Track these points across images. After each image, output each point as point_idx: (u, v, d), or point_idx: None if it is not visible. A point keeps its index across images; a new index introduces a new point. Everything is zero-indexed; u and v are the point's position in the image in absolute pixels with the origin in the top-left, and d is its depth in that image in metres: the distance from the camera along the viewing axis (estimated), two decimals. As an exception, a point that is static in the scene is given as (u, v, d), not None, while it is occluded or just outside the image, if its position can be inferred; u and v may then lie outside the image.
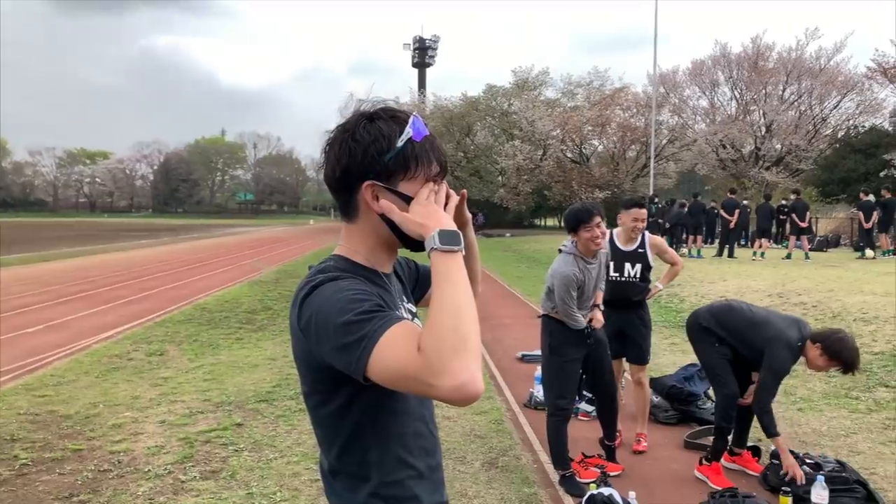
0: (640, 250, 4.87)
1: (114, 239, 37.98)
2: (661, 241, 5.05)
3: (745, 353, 4.12)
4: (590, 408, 5.44)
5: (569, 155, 45.88)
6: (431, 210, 1.23)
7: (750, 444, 4.56)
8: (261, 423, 5.41)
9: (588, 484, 3.92)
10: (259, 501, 3.97)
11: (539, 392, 5.88)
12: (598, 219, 4.07)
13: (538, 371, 6.16)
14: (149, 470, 4.46)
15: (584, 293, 4.19)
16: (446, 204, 1.29)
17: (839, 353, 3.77)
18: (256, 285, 15.26)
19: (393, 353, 1.08)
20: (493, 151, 48.57)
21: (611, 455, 4.48)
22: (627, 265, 4.85)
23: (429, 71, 71.63)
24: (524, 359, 7.62)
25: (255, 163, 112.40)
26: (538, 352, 7.50)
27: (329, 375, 1.21)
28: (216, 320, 10.44)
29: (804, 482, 3.80)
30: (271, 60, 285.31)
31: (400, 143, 1.25)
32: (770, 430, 3.90)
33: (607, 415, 4.48)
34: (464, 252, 1.18)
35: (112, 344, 8.60)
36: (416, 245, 1.27)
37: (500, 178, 47.58)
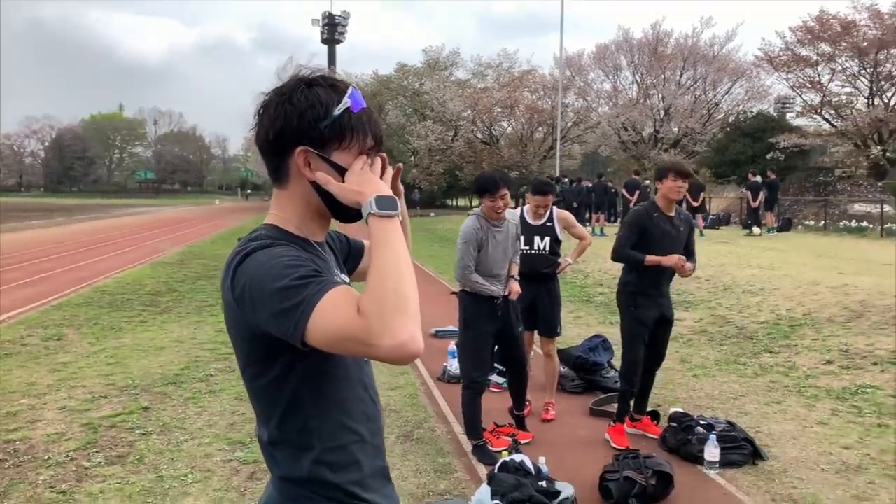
0: (547, 224, 5.05)
1: (3, 219, 35.46)
2: (568, 215, 5.23)
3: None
4: (500, 379, 5.61)
5: (479, 136, 46.32)
6: (368, 178, 1.24)
7: (649, 409, 4.83)
8: (169, 406, 5.27)
9: (500, 452, 4.07)
10: (170, 484, 3.89)
11: (453, 366, 6.01)
12: (504, 191, 4.26)
13: (452, 346, 6.29)
14: (49, 458, 4.27)
15: (487, 257, 4.31)
16: (382, 175, 1.31)
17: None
18: (160, 267, 14.67)
19: (332, 316, 1.09)
20: (405, 131, 48.42)
21: (521, 424, 4.65)
22: (537, 238, 5.01)
23: (339, 48, 70.42)
24: (437, 334, 7.74)
25: (156, 140, 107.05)
26: (451, 327, 7.66)
27: (265, 344, 1.21)
28: (118, 303, 10.00)
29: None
30: (171, 33, 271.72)
31: (337, 112, 1.25)
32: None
33: (517, 386, 4.64)
34: (400, 219, 1.21)
35: (3, 329, 8.10)
36: (348, 216, 1.29)
37: (412, 158, 47.54)
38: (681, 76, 39.13)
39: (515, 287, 4.47)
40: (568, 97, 42.67)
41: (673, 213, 4.41)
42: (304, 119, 1.24)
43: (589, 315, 9.36)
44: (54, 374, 6.17)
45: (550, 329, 5.05)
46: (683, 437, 4.29)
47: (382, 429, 1.47)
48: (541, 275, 5.01)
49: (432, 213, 40.32)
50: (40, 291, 11.05)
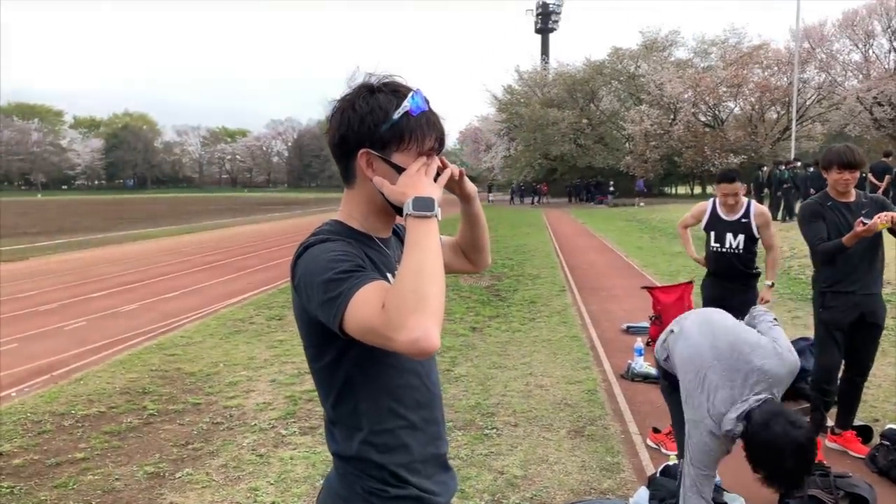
0: (743, 220, 4.61)
1: (251, 212, 40.48)
2: (766, 213, 4.71)
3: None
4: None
5: (701, 118, 43.69)
6: (415, 179, 1.29)
7: (859, 423, 4.25)
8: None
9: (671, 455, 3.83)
10: (349, 457, 4.19)
11: (638, 364, 5.76)
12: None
13: (638, 342, 6.04)
14: (255, 424, 4.82)
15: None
16: (438, 177, 1.35)
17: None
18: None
19: (362, 308, 1.16)
20: (618, 117, 47.08)
21: None
22: (729, 235, 4.62)
23: (552, 36, 70.17)
24: (629, 330, 7.45)
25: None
26: (643, 323, 7.37)
27: (320, 331, 1.30)
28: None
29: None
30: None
31: (396, 116, 1.31)
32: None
33: None
34: (439, 218, 1.24)
35: (237, 309, 9.27)
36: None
37: (626, 144, 46.07)
38: (951, 39, 33.65)
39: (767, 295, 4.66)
40: (807, 72, 38.77)
41: (852, 199, 3.83)
42: (365, 124, 1.32)
43: (809, 315, 8.40)
44: (271, 349, 6.93)
45: None
46: (896, 459, 3.72)
47: (441, 418, 1.50)
48: (736, 275, 4.61)
49: (641, 203, 38.44)
50: (271, 276, 12.46)
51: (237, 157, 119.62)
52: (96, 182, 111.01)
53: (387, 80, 1.36)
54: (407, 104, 1.32)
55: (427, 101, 1.36)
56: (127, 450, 4.42)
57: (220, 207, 47.42)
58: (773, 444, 2.40)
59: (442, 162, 1.38)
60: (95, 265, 14.97)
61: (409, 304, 1.11)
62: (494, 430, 4.59)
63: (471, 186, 1.52)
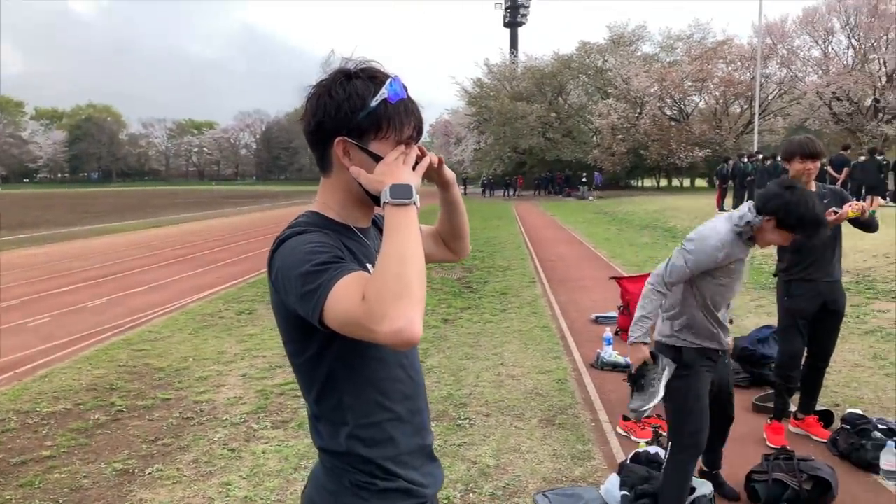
0: None
1: (219, 205, 39.96)
2: None
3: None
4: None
5: (667, 112, 44.21)
6: (392, 167, 1.26)
7: (821, 408, 4.37)
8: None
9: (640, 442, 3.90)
10: (322, 450, 4.18)
11: (607, 353, 5.84)
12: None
13: (607, 332, 6.12)
14: (226, 418, 4.78)
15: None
16: (416, 165, 1.32)
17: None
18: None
19: (342, 300, 1.13)
20: (586, 111, 47.43)
21: None
22: None
23: (521, 30, 70.36)
24: (597, 320, 7.55)
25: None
26: (612, 313, 7.46)
27: (300, 325, 1.27)
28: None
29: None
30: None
31: (373, 103, 1.27)
32: None
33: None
34: (418, 205, 1.22)
35: (206, 303, 9.16)
36: (380, 203, 1.31)
37: (594, 137, 46.46)
38: (907, 36, 34.49)
39: None
40: (769, 67, 39.48)
41: (813, 190, 3.93)
42: (342, 111, 1.29)
43: (773, 304, 8.59)
44: (241, 344, 6.87)
45: None
46: (857, 442, 3.83)
47: (425, 408, 1.48)
48: None
49: (592, 196, 38.67)
50: (241, 270, 12.33)
51: (204, 149, 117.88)
52: (59, 175, 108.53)
53: (364, 66, 1.32)
54: (385, 91, 1.28)
55: (405, 89, 1.32)
56: (94, 447, 4.35)
57: (188, 201, 46.74)
58: (796, 190, 2.79)
59: (420, 150, 1.35)
60: (60, 260, 14.66)
61: (391, 294, 1.08)
62: (467, 421, 4.62)
63: (450, 173, 1.49)
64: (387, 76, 1.31)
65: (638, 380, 3.00)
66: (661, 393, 2.91)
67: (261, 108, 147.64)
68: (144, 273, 12.29)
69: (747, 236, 2.88)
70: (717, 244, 2.84)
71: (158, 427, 4.66)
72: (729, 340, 3.13)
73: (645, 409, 2.93)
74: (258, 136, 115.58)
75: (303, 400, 4.89)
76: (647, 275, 7.50)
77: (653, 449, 3.50)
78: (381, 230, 1.50)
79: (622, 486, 3.17)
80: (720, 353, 3.07)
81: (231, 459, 4.10)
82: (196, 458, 4.13)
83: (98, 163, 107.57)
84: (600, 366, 5.80)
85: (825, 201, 3.88)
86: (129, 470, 3.98)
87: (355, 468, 1.36)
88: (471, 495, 3.58)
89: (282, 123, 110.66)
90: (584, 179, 42.13)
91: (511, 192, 48.25)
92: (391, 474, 1.37)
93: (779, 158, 19.50)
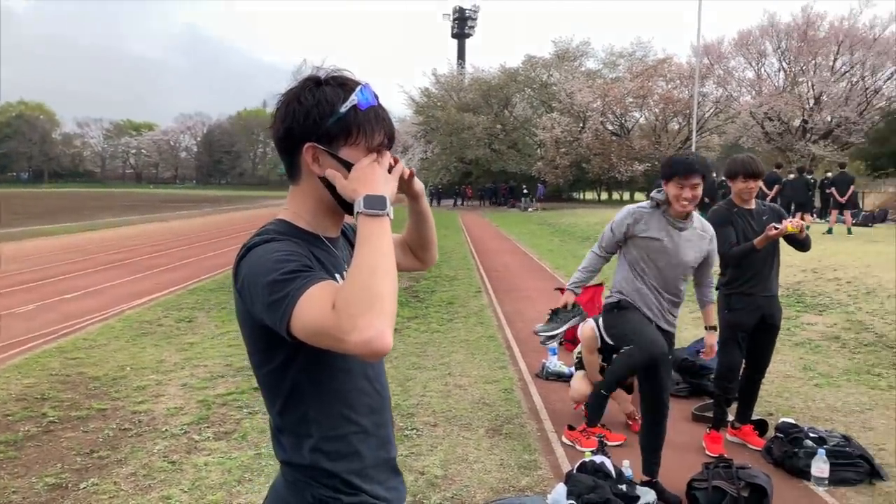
0: None
1: (158, 209, 38.88)
2: None
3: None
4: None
5: (609, 127, 45.14)
6: (367, 175, 1.25)
7: (756, 418, 4.53)
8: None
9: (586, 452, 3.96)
10: (266, 462, 4.10)
11: (552, 363, 5.92)
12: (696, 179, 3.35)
13: (553, 343, 6.19)
14: (166, 429, 4.64)
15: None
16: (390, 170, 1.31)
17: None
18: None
19: (310, 310, 1.12)
20: (531, 124, 48.06)
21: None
22: None
23: (468, 42, 71.01)
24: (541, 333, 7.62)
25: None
26: (556, 324, 7.56)
27: (266, 335, 1.25)
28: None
29: None
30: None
31: (343, 110, 1.26)
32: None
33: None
34: (391, 217, 1.21)
35: (144, 310, 8.89)
36: (353, 212, 1.29)
37: (538, 150, 47.11)
38: (834, 61, 36.21)
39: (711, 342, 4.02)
40: (706, 86, 40.78)
41: (752, 206, 4.11)
42: (310, 117, 1.27)
43: (709, 315, 8.87)
44: (181, 353, 6.69)
45: None
46: (790, 450, 3.98)
47: (390, 421, 1.48)
48: None
49: (531, 208, 39.46)
50: (180, 276, 12.03)
51: (143, 151, 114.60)
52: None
53: (334, 74, 1.32)
54: (355, 98, 1.27)
55: (376, 97, 1.32)
56: (24, 460, 4.16)
57: (125, 203, 45.35)
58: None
59: (394, 159, 1.34)
60: (-15, 263, 14.01)
61: (362, 304, 1.07)
62: (415, 431, 4.61)
63: (419, 185, 1.48)
64: (357, 83, 1.31)
65: (555, 314, 3.89)
66: (563, 330, 3.91)
67: (202, 110, 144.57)
68: (78, 278, 11.85)
69: (663, 209, 3.47)
70: (629, 210, 3.60)
71: (94, 439, 4.49)
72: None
73: (545, 333, 3.94)
74: (199, 139, 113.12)
75: (246, 410, 4.81)
76: (593, 287, 7.70)
77: (598, 458, 3.55)
78: (350, 241, 1.50)
79: (569, 495, 3.21)
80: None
81: (171, 472, 3.98)
82: (134, 471, 3.99)
83: (28, 162, 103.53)
84: (545, 376, 5.87)
85: (764, 218, 4.05)
86: (62, 484, 3.82)
87: (318, 482, 1.33)
88: (419, 506, 3.57)
89: (224, 126, 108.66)
90: (525, 191, 42.67)
91: (460, 202, 48.63)
92: (355, 488, 1.35)
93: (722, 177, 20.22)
